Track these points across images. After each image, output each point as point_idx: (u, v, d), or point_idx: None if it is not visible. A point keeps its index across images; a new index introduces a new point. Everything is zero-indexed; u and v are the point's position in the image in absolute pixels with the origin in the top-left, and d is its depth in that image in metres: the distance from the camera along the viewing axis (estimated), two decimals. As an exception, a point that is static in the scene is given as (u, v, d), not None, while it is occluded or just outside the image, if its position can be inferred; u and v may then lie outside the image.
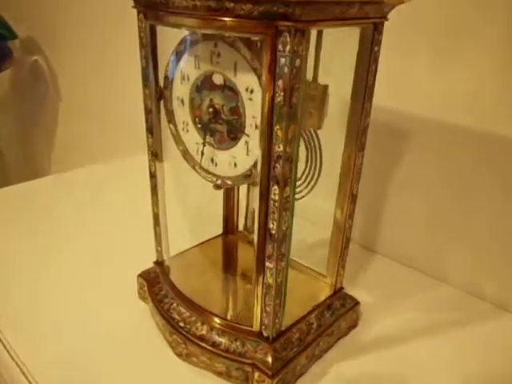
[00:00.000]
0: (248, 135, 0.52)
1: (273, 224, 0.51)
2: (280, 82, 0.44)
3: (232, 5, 0.42)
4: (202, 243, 0.79)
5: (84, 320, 0.70)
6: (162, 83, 0.59)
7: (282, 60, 0.43)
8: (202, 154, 0.57)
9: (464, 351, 0.67)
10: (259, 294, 0.56)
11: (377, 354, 0.66)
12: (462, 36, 0.70)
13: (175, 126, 0.61)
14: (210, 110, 0.54)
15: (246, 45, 0.48)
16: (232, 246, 0.80)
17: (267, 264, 0.53)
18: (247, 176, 0.54)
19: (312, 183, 0.61)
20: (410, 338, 0.69)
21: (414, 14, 0.70)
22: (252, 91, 0.50)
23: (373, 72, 0.54)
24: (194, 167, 0.61)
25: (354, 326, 0.70)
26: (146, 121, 0.62)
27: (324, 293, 0.68)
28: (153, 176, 0.65)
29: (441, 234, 0.81)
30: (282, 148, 0.46)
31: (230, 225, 0.82)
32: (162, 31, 0.56)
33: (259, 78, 0.48)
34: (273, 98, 0.45)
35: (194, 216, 0.88)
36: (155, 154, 0.63)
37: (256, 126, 0.51)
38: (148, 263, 0.74)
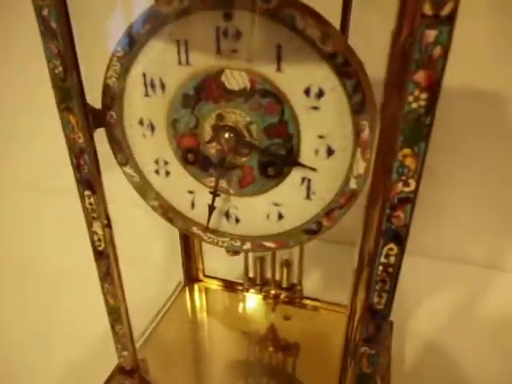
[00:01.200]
0: (314, 169, 0.30)
1: (380, 297, 0.32)
2: (421, 75, 0.24)
3: None
4: (168, 309, 0.55)
5: None
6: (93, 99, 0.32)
7: (432, 34, 0.22)
8: (212, 209, 0.33)
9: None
10: (347, 389, 0.37)
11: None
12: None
13: (138, 170, 0.35)
14: (227, 134, 0.30)
15: (303, 9, 0.26)
16: (211, 298, 0.58)
17: (364, 349, 0.35)
18: (311, 232, 0.33)
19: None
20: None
21: None
22: (321, 94, 0.28)
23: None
24: (188, 231, 0.36)
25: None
26: (77, 168, 0.34)
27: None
28: (104, 256, 0.38)
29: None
30: (411, 186, 0.27)
31: (192, 270, 0.59)
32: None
33: (339, 68, 0.27)
34: (400, 104, 0.25)
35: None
36: (107, 224, 0.36)
37: (330, 152, 0.30)
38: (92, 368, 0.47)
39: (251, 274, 0.51)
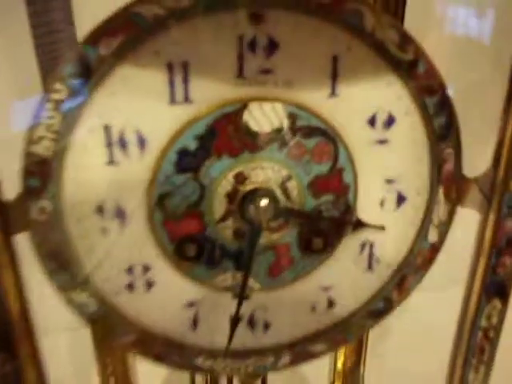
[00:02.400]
0: (382, 227, 0.21)
1: (476, 372, 0.25)
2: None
3: None
4: None
5: None
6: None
7: None
8: (236, 322, 0.21)
9: None
10: None
11: None
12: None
13: (95, 293, 0.20)
14: (263, 202, 0.19)
15: (371, 4, 0.18)
16: None
17: None
18: (376, 313, 0.24)
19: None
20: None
21: None
22: (390, 122, 0.20)
23: None
24: (189, 365, 0.23)
25: None
26: None
27: None
28: None
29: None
30: (523, 221, 0.21)
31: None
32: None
33: (419, 82, 0.19)
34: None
35: None
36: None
37: (401, 200, 0.21)
38: None
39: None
